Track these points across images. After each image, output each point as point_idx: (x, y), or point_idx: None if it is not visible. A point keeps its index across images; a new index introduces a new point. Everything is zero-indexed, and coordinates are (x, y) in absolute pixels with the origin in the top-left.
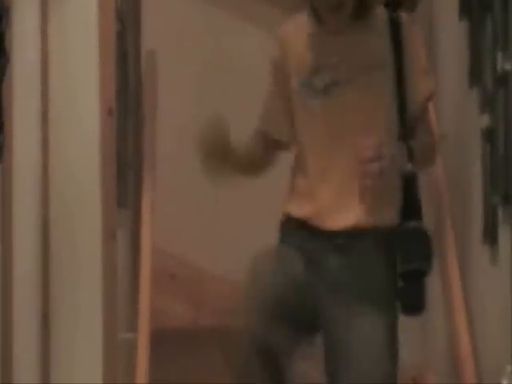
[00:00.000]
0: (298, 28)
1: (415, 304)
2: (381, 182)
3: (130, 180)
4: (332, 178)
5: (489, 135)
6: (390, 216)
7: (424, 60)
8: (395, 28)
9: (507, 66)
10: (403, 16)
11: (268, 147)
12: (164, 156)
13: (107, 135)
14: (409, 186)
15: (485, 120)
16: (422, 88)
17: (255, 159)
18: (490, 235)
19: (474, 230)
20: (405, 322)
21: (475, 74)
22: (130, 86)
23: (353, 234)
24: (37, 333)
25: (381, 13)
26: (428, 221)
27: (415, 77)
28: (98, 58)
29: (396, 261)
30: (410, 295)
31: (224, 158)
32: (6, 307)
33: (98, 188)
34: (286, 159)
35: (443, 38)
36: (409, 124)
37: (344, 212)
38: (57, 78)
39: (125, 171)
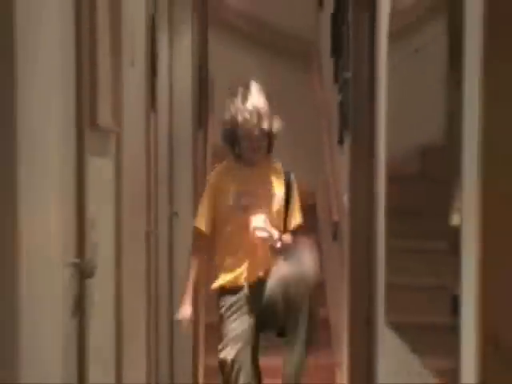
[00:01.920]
0: (228, 168)
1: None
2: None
3: None
4: (246, 255)
5: None
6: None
7: (298, 202)
8: (288, 180)
9: None
10: (291, 174)
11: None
12: None
13: None
14: None
15: None
16: (295, 219)
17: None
18: None
19: None
20: None
21: None
22: None
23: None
24: None
25: (278, 165)
26: None
27: (293, 210)
28: None
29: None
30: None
31: None
32: None
33: None
34: None
35: None
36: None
37: (255, 272)
38: None
39: None
